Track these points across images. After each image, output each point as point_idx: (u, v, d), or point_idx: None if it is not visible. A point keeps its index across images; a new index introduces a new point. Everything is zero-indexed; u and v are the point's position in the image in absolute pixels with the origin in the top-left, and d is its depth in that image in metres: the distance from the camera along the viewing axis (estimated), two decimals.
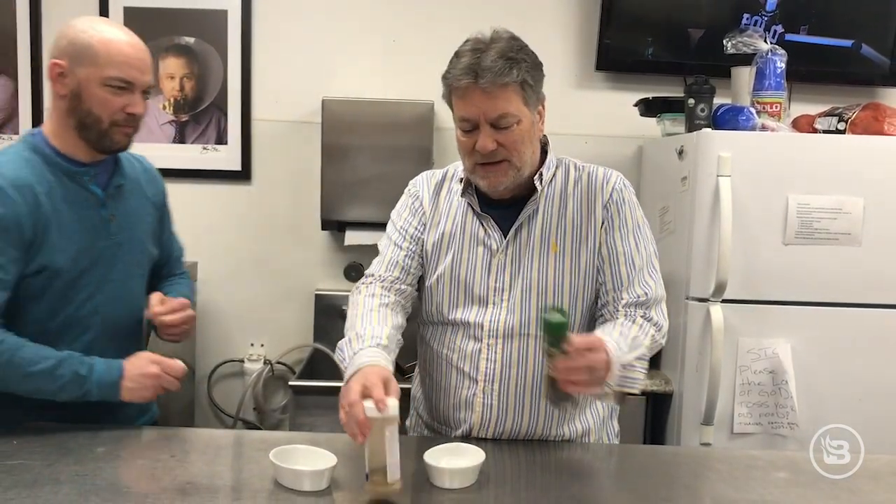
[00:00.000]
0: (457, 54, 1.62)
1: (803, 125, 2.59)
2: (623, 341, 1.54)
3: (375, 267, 1.77)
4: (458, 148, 1.67)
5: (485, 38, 1.61)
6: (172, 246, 1.96)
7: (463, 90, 1.58)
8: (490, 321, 1.67)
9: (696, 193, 2.35)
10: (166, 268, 1.93)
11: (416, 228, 1.76)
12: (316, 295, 2.98)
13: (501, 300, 1.67)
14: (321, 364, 2.87)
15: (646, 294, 1.65)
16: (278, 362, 2.99)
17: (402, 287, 1.74)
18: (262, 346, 3.01)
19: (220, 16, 2.92)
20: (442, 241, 1.74)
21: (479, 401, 1.68)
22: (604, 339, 1.48)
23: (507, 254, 1.69)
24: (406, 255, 1.75)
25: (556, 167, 1.74)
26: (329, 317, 2.96)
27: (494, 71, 1.55)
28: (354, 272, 2.98)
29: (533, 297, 1.66)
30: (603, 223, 1.68)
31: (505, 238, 1.69)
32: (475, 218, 1.72)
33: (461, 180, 1.74)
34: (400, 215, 1.80)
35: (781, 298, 2.35)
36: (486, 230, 1.71)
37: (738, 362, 2.34)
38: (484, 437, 1.70)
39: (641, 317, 1.63)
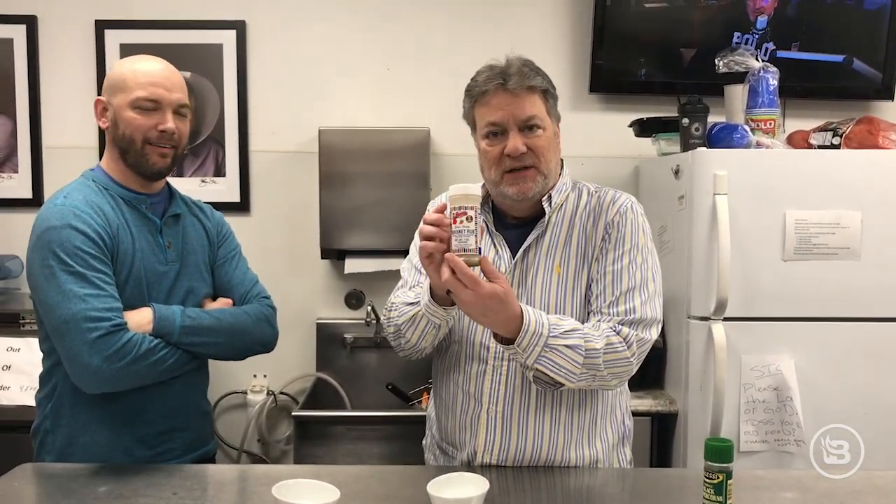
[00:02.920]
0: (477, 73, 1.68)
1: (798, 141, 2.59)
2: (558, 324, 1.55)
3: (398, 293, 1.77)
4: (480, 163, 1.70)
5: (500, 61, 1.66)
6: (237, 277, 1.93)
7: (491, 94, 1.63)
8: (496, 345, 1.66)
9: (694, 212, 2.34)
10: (239, 300, 1.92)
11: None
12: (317, 324, 2.97)
13: None
14: (324, 394, 2.86)
15: (627, 313, 1.62)
16: (281, 393, 2.97)
17: None
18: (265, 376, 2.99)
19: (216, 50, 2.94)
20: None
21: (483, 422, 1.68)
22: (509, 292, 1.48)
23: (515, 275, 1.69)
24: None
25: (571, 191, 1.75)
26: (331, 345, 2.95)
27: (521, 74, 1.61)
28: (355, 300, 2.97)
29: None
30: (602, 243, 1.68)
31: (514, 259, 1.70)
32: (489, 237, 1.73)
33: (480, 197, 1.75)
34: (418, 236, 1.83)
35: (782, 315, 2.33)
36: (497, 250, 1.72)
37: (741, 380, 2.32)
38: (488, 461, 1.68)
39: (608, 324, 1.61)
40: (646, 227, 1.71)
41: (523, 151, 1.62)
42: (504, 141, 1.63)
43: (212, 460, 1.93)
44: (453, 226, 1.47)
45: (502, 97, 1.62)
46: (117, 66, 1.77)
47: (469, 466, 1.70)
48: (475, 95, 1.66)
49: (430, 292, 1.60)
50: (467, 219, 1.46)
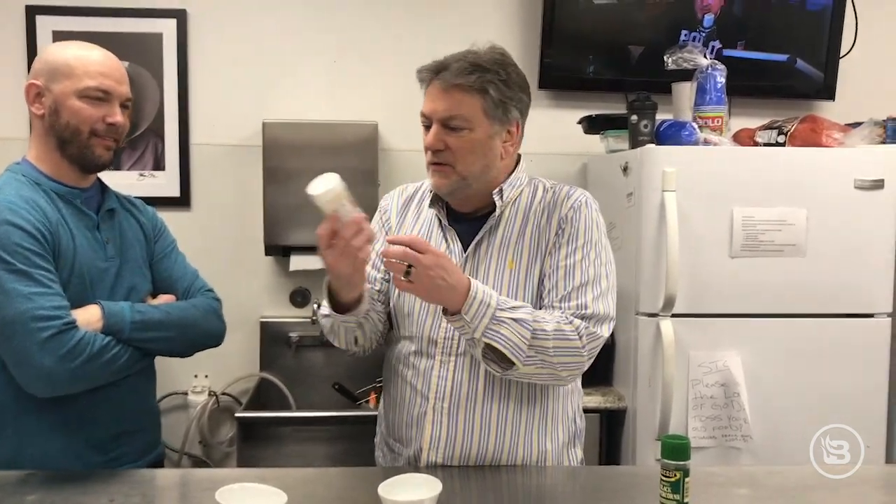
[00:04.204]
0: None
1: (744, 139, 2.62)
2: (506, 300, 1.57)
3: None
4: None
5: (474, 48, 1.66)
6: (178, 272, 1.90)
7: (426, 85, 1.64)
8: (444, 337, 1.65)
9: (643, 209, 2.35)
10: (182, 295, 1.88)
11: (381, 244, 1.75)
12: (261, 323, 2.91)
13: None
14: (268, 394, 2.80)
15: (579, 308, 1.60)
16: (224, 393, 2.91)
17: (373, 302, 1.74)
18: (207, 377, 2.92)
19: (155, 39, 2.85)
20: None
21: (429, 418, 1.66)
22: (448, 259, 1.52)
23: (466, 269, 1.68)
24: (372, 268, 1.75)
25: (526, 186, 1.74)
26: (276, 345, 2.89)
27: (454, 70, 1.60)
28: (300, 297, 2.92)
29: None
30: (555, 237, 1.67)
31: (465, 252, 1.69)
32: (440, 231, 1.73)
33: (431, 191, 1.74)
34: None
35: (730, 311, 2.35)
36: (448, 244, 1.71)
37: (689, 376, 2.33)
38: (434, 458, 1.66)
39: (560, 310, 1.60)
40: (600, 223, 1.70)
41: (439, 148, 1.62)
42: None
43: (161, 465, 1.89)
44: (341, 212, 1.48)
45: (434, 90, 1.63)
46: (57, 51, 1.70)
47: (415, 463, 1.68)
48: (420, 82, 1.68)
49: (333, 304, 1.64)
50: (345, 203, 1.48)
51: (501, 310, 1.54)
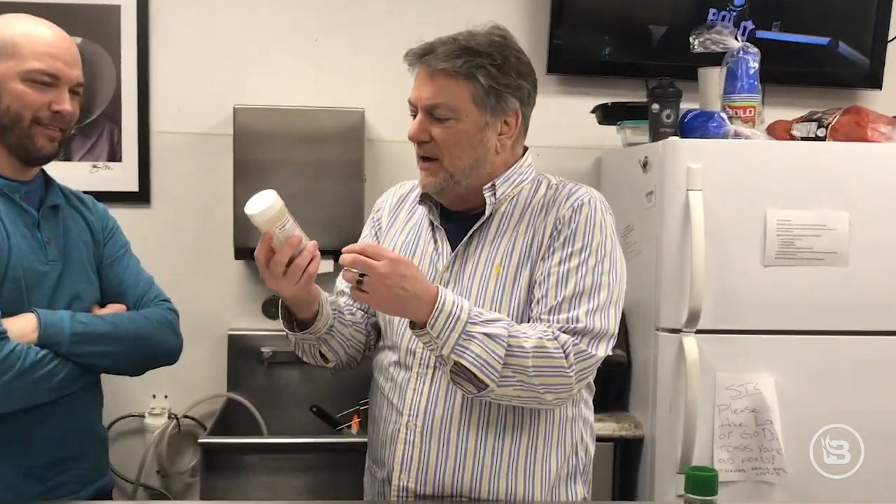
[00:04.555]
0: None
1: (779, 132, 2.63)
2: (481, 312, 1.57)
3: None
4: None
5: (473, 28, 1.69)
6: (130, 278, 1.91)
7: (415, 69, 1.66)
8: (423, 348, 1.66)
9: (664, 210, 2.36)
10: (134, 305, 1.89)
11: None
12: (229, 336, 2.91)
13: None
14: (236, 418, 2.80)
15: (569, 321, 1.59)
16: (185, 416, 2.91)
17: (354, 310, 1.80)
18: (166, 397, 2.92)
19: (112, 12, 2.85)
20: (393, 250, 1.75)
21: (401, 436, 1.68)
22: (409, 265, 1.54)
23: (452, 273, 1.70)
24: None
25: (528, 182, 1.75)
26: (245, 361, 2.89)
27: (440, 54, 1.62)
28: (275, 308, 2.88)
29: None
30: (549, 239, 1.67)
31: (453, 253, 1.71)
32: (430, 230, 1.76)
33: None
34: (362, 233, 1.91)
35: (762, 327, 2.36)
36: (437, 244, 1.73)
37: (716, 401, 2.34)
38: (405, 483, 1.67)
39: (547, 323, 1.60)
40: (605, 225, 1.69)
41: (423, 140, 1.66)
42: None
43: (109, 496, 1.88)
44: (279, 233, 1.55)
45: (421, 74, 1.66)
46: (1, 27, 1.70)
47: (384, 488, 1.70)
48: (409, 66, 1.70)
49: (287, 320, 1.71)
50: (284, 223, 1.56)
51: (473, 323, 1.54)
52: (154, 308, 1.86)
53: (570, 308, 1.61)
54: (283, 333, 2.85)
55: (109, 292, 1.86)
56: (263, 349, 2.88)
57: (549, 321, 1.60)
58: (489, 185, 1.70)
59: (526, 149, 1.80)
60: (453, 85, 1.63)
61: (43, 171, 1.81)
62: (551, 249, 1.66)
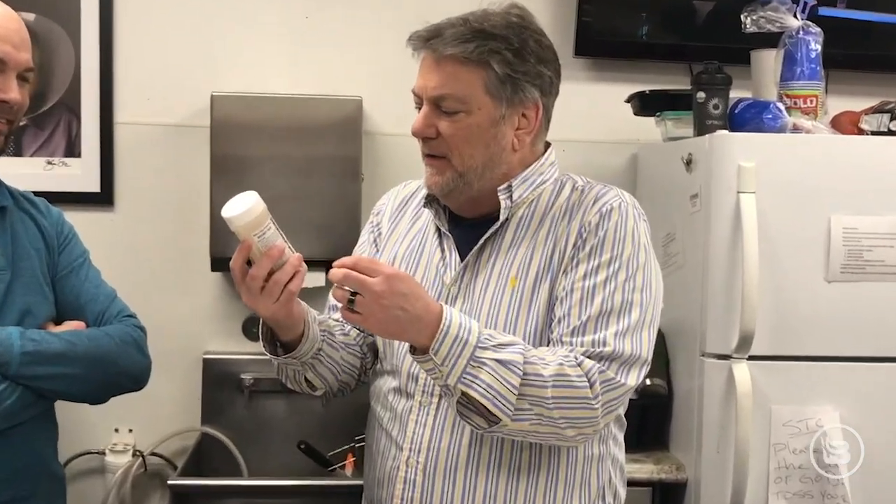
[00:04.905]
0: None
1: (845, 124, 2.61)
2: (492, 335, 1.56)
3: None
4: None
5: (488, 7, 1.70)
6: (89, 292, 1.92)
7: (421, 55, 1.68)
8: (427, 377, 1.65)
9: (711, 216, 2.35)
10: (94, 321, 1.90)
11: (368, 254, 1.84)
12: (205, 360, 2.91)
13: None
14: (212, 455, 2.81)
15: (595, 344, 1.59)
16: (152, 453, 2.90)
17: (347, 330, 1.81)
18: (131, 431, 2.92)
19: None
20: (394, 263, 1.78)
21: (401, 474, 1.68)
22: (410, 282, 1.54)
23: (460, 287, 1.71)
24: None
25: (550, 184, 1.76)
26: (223, 389, 2.89)
27: (449, 37, 1.63)
28: (257, 327, 2.88)
29: None
30: (572, 250, 1.67)
31: (462, 263, 1.72)
32: (437, 237, 1.76)
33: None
34: (360, 239, 1.94)
35: (826, 353, 2.35)
36: (444, 253, 1.74)
37: (771, 439, 2.33)
38: None
39: (569, 347, 1.59)
40: (638, 234, 1.68)
41: (429, 135, 1.67)
42: None
43: None
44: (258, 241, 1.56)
45: (426, 62, 1.67)
46: None
47: None
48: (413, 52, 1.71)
49: (269, 342, 1.73)
50: (264, 231, 1.57)
51: (483, 348, 1.53)
52: (117, 325, 1.87)
53: (597, 329, 1.60)
54: (267, 357, 2.86)
55: (66, 307, 1.87)
56: (244, 376, 2.88)
57: (571, 344, 1.60)
58: (504, 186, 1.71)
59: (548, 145, 1.80)
60: (464, 73, 1.63)
61: None
62: (575, 261, 1.66)
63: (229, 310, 2.95)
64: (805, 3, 2.87)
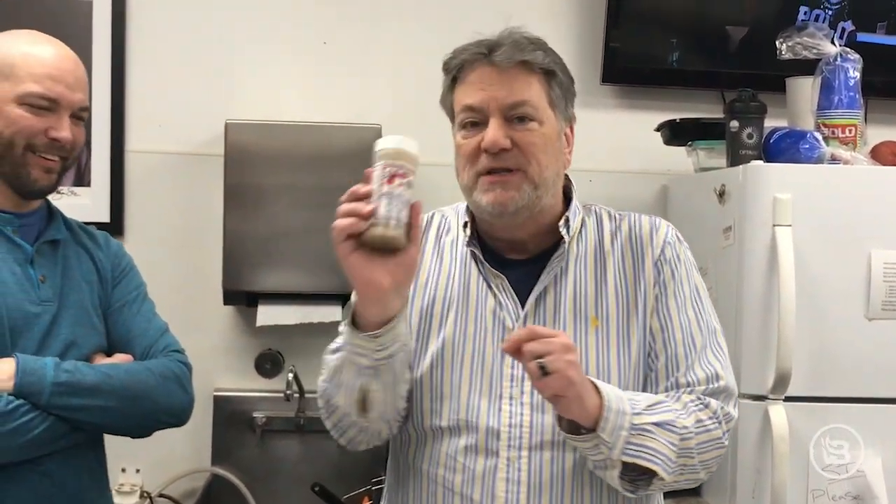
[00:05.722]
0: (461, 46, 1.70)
1: (886, 155, 2.61)
2: (634, 397, 1.56)
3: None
4: (455, 164, 1.69)
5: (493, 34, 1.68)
6: (139, 326, 1.96)
7: (471, 69, 1.64)
8: (510, 425, 1.62)
9: (745, 250, 2.36)
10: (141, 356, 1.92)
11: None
12: (215, 397, 2.91)
13: (522, 394, 1.62)
14: (221, 496, 2.81)
15: (708, 378, 1.62)
16: (160, 495, 2.89)
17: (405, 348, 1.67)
18: (138, 471, 2.90)
19: (83, 9, 2.90)
20: (433, 311, 1.70)
21: None
22: (572, 346, 1.48)
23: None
24: None
25: (586, 215, 1.76)
26: (235, 428, 2.89)
27: (514, 45, 1.63)
28: (270, 364, 2.91)
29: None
30: (655, 287, 1.68)
31: (524, 307, 1.67)
32: (481, 279, 1.70)
33: (466, 224, 1.72)
34: None
35: (867, 394, 2.35)
36: (496, 296, 1.68)
37: (809, 485, 2.32)
38: None
39: (689, 395, 1.62)
40: (691, 257, 1.75)
41: (505, 147, 1.61)
42: (483, 132, 1.63)
43: None
44: (386, 186, 1.45)
45: (486, 73, 1.64)
46: (0, 44, 1.78)
47: None
48: (453, 70, 1.68)
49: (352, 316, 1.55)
50: (407, 185, 1.46)
51: (637, 414, 1.53)
52: (162, 359, 1.91)
53: (705, 366, 1.64)
54: (281, 395, 2.86)
55: (117, 340, 1.91)
56: (256, 414, 2.88)
57: (688, 384, 1.63)
58: (563, 219, 1.69)
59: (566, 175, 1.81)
60: (535, 82, 1.65)
61: (47, 203, 1.89)
62: (662, 300, 1.68)
63: (241, 345, 2.96)
64: (843, 29, 2.89)
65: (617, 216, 1.76)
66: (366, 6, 2.97)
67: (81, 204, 2.91)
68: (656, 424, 1.53)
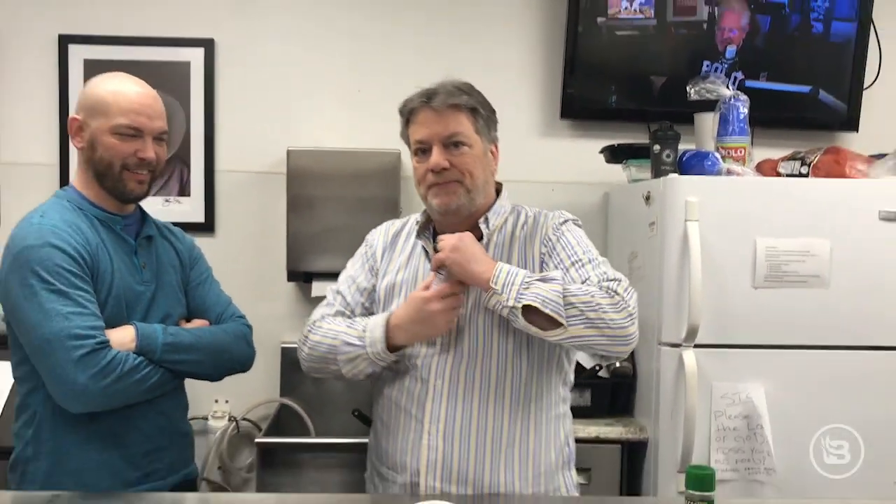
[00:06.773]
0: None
1: (767, 169, 2.61)
2: (531, 273, 1.60)
3: (331, 320, 1.79)
4: (414, 179, 1.75)
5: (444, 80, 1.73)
6: (212, 299, 1.96)
7: (417, 113, 1.69)
8: (437, 364, 1.68)
9: (665, 238, 2.34)
10: (215, 321, 1.94)
11: (364, 277, 1.82)
12: (282, 348, 2.91)
13: (449, 343, 1.69)
14: (288, 420, 2.79)
15: (598, 277, 1.61)
16: (244, 419, 2.91)
17: None
18: (227, 402, 2.92)
19: (183, 67, 2.90)
20: (393, 287, 1.77)
21: (425, 443, 1.67)
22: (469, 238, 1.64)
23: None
24: (352, 300, 1.81)
25: (510, 214, 1.78)
26: (296, 371, 2.78)
27: (445, 93, 1.68)
28: None
29: (480, 343, 1.68)
30: (542, 257, 1.70)
31: None
32: (426, 263, 1.76)
33: (418, 222, 1.79)
34: (353, 264, 1.89)
35: (753, 342, 2.33)
36: (435, 277, 1.72)
37: (712, 408, 2.31)
38: (432, 482, 1.66)
39: (586, 279, 1.61)
40: (581, 233, 1.73)
41: (445, 167, 1.67)
42: (430, 157, 1.68)
43: (194, 483, 1.92)
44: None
45: (427, 115, 1.69)
46: (96, 86, 1.77)
47: (411, 490, 1.68)
48: (405, 114, 1.74)
49: (386, 342, 1.66)
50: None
51: (529, 277, 1.58)
52: (231, 323, 1.91)
53: (594, 270, 1.63)
54: None
55: (194, 310, 1.92)
56: None
57: (585, 282, 1.61)
58: (483, 218, 1.74)
59: (500, 185, 1.84)
60: (463, 118, 1.69)
61: (139, 207, 1.88)
62: (548, 255, 1.70)
63: (300, 310, 2.95)
64: (735, 77, 2.90)
65: (536, 214, 1.78)
66: (388, 65, 2.96)
67: (184, 210, 2.93)
68: (542, 280, 1.57)
